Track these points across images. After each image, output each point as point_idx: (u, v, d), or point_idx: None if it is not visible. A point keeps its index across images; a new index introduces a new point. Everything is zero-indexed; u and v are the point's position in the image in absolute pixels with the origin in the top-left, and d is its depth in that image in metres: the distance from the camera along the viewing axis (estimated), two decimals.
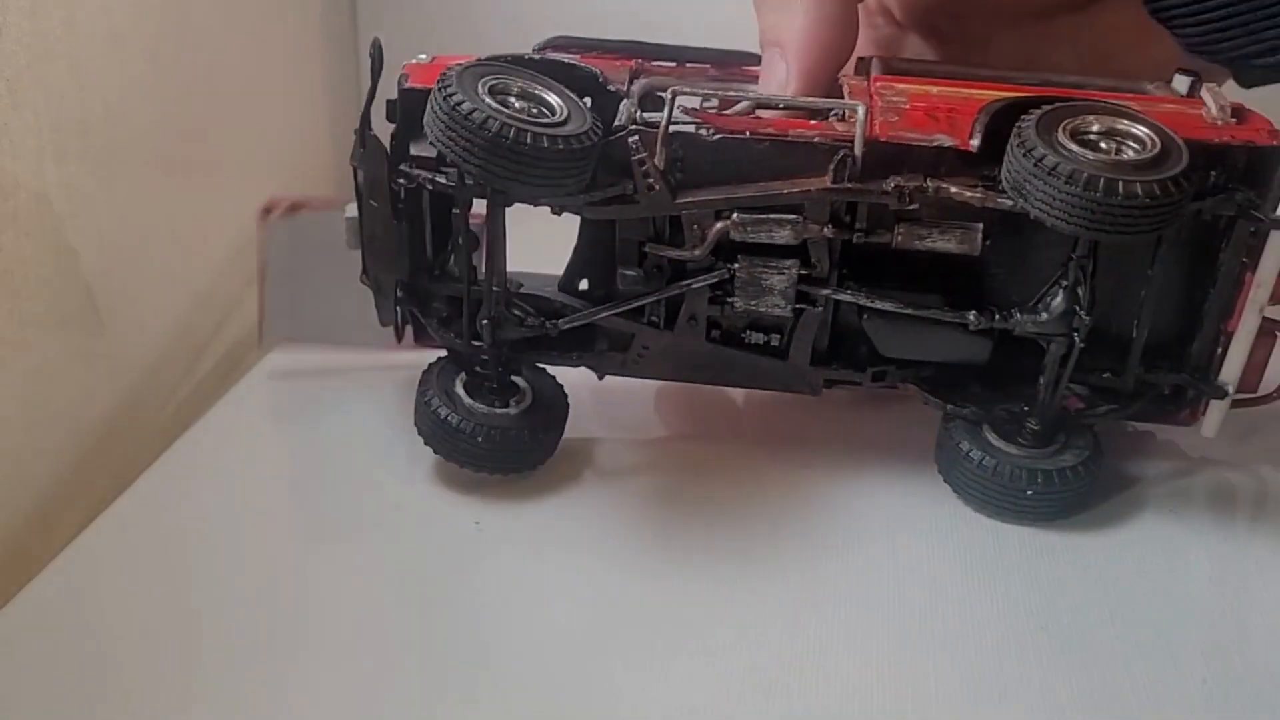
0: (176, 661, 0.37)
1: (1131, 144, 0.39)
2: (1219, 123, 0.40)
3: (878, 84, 0.42)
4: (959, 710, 0.36)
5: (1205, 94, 0.42)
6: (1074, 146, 0.38)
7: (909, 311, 0.43)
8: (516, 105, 0.39)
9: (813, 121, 0.41)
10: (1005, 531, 0.43)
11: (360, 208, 0.44)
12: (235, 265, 0.60)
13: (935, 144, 0.40)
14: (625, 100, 0.41)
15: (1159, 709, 0.36)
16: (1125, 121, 0.39)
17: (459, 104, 0.37)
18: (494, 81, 0.39)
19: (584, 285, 0.47)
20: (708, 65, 0.45)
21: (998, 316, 0.42)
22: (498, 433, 0.43)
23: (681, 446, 0.48)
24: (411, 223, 0.44)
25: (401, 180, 0.42)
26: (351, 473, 0.46)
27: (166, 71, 0.52)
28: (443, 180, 0.42)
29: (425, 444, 0.44)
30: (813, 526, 0.43)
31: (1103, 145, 0.38)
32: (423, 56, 0.43)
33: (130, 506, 0.44)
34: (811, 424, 0.49)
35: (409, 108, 0.42)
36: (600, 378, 0.47)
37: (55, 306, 0.45)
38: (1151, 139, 0.38)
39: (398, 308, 0.46)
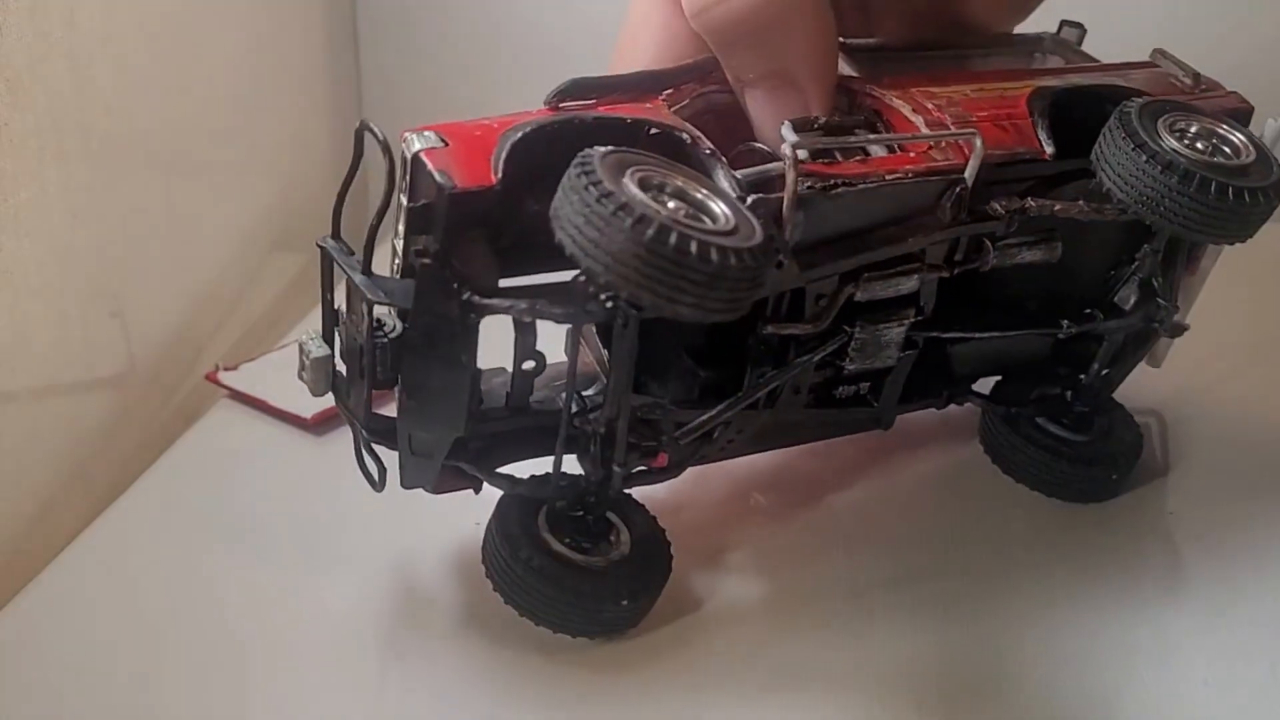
0: (175, 663, 0.37)
1: (1226, 147, 0.38)
2: (1194, 92, 0.42)
3: (915, 90, 0.38)
4: (957, 708, 0.36)
5: (1166, 63, 0.43)
6: (1188, 152, 0.36)
7: (1011, 335, 0.42)
8: (671, 205, 0.31)
9: (911, 155, 0.37)
10: (999, 530, 0.43)
11: (392, 361, 0.34)
12: (235, 265, 0.60)
13: (1018, 158, 0.38)
14: (720, 167, 0.34)
15: (1159, 709, 0.36)
16: (1224, 128, 0.38)
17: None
18: (641, 174, 0.31)
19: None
20: (691, 82, 0.39)
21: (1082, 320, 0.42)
22: (643, 591, 0.37)
23: None
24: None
25: (473, 314, 0.33)
26: (352, 475, 0.46)
27: (167, 72, 0.52)
28: (559, 311, 0.33)
29: (538, 624, 0.37)
30: (806, 524, 0.43)
31: (1199, 145, 0.37)
32: (428, 135, 0.32)
33: (130, 507, 0.44)
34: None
35: (459, 217, 0.32)
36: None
37: (55, 306, 0.45)
38: (1245, 145, 0.38)
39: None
